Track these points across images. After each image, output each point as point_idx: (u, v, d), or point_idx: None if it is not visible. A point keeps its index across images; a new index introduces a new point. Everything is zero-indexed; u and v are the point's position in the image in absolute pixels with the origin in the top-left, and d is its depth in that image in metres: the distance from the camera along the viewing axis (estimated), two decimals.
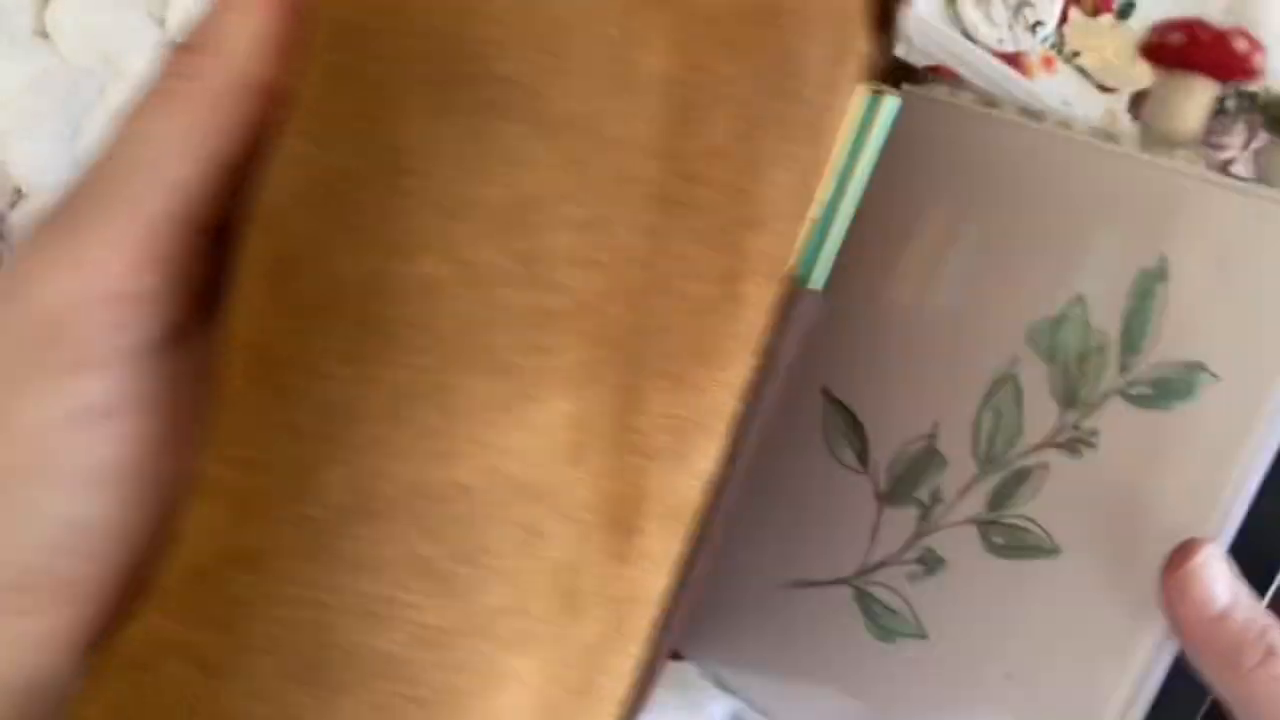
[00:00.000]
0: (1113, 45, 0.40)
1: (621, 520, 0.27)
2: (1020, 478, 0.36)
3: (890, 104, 0.34)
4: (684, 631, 0.45)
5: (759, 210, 0.26)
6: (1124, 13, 0.41)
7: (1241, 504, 0.33)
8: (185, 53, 0.23)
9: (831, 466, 0.40)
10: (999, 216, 0.38)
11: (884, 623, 0.39)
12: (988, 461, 0.37)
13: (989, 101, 0.38)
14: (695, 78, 0.25)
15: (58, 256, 0.22)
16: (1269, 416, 0.32)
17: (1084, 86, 0.42)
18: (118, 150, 0.23)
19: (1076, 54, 0.41)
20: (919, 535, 0.38)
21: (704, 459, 0.28)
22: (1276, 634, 0.32)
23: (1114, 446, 0.35)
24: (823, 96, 0.27)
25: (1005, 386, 0.37)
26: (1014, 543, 0.36)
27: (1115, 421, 0.35)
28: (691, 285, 0.26)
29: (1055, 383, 0.36)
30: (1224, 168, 0.38)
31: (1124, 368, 0.35)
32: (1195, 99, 0.34)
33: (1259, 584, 0.33)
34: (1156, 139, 0.35)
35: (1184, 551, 0.33)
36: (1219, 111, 0.39)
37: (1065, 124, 0.37)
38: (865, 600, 0.39)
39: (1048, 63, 0.41)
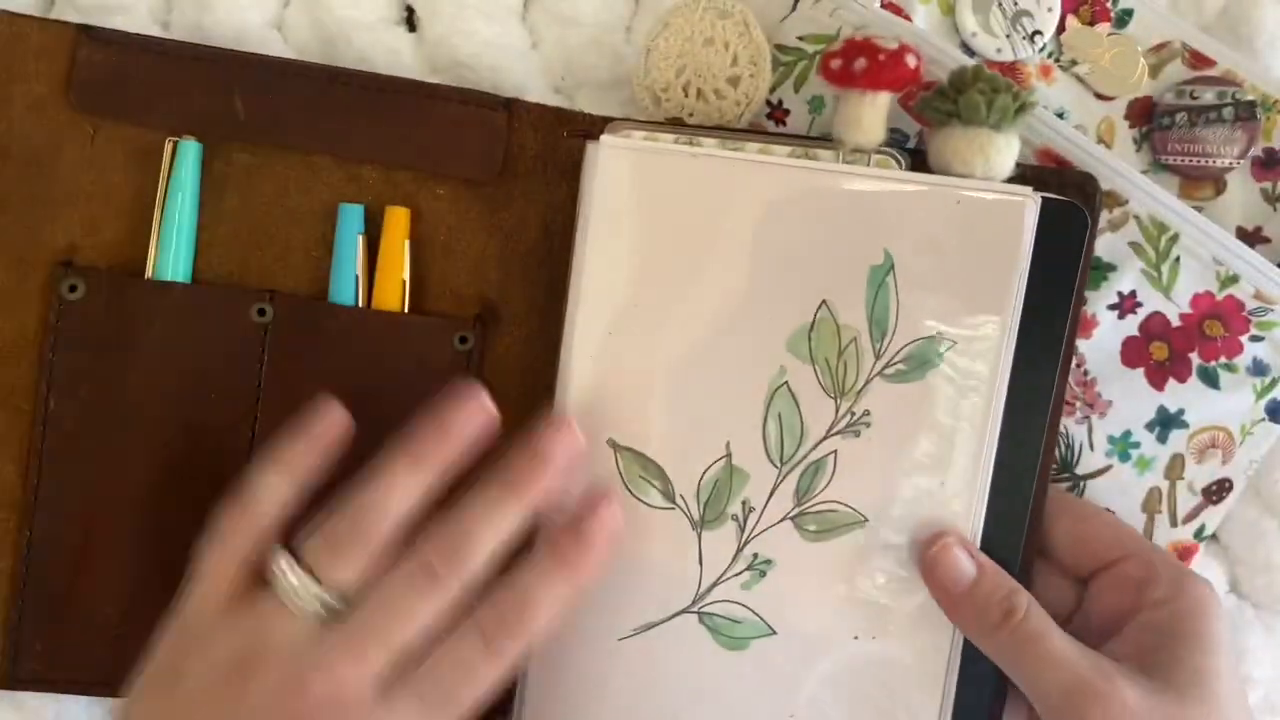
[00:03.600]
0: (1110, 54, 0.42)
1: None
2: (816, 468, 0.40)
3: (191, 147, 0.41)
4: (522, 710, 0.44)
5: None
6: (1121, 21, 0.42)
7: (994, 443, 0.40)
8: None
9: (639, 511, 0.42)
10: (731, 248, 0.40)
11: (731, 633, 0.41)
12: (784, 463, 0.41)
13: (691, 140, 0.40)
14: None
15: None
16: (1003, 365, 0.39)
17: (1082, 95, 0.43)
18: None
19: (1074, 63, 0.42)
20: (742, 546, 0.41)
21: None
22: (1018, 598, 0.39)
23: (886, 420, 0.40)
24: None
25: (780, 394, 0.40)
26: (826, 525, 0.41)
27: (881, 400, 0.40)
28: None
29: (823, 380, 0.40)
30: (1221, 175, 0.43)
31: (878, 353, 0.40)
32: (878, 111, 0.38)
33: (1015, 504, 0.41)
34: (851, 151, 0.39)
35: (930, 540, 0.40)
36: (1215, 120, 0.42)
37: (766, 149, 0.40)
38: (710, 620, 0.42)
39: (1045, 71, 0.43)
